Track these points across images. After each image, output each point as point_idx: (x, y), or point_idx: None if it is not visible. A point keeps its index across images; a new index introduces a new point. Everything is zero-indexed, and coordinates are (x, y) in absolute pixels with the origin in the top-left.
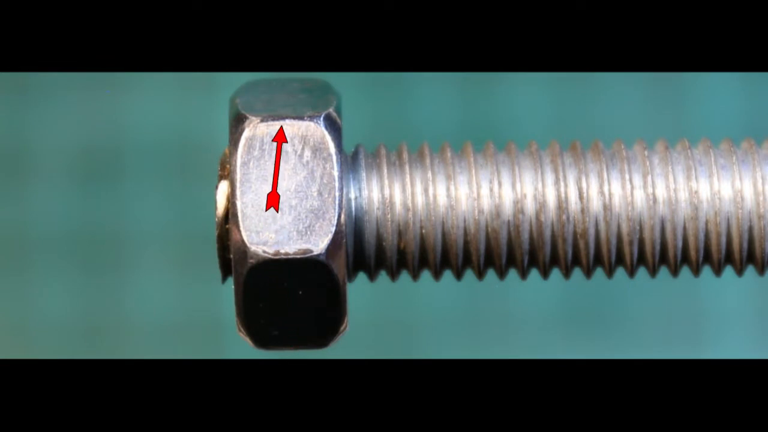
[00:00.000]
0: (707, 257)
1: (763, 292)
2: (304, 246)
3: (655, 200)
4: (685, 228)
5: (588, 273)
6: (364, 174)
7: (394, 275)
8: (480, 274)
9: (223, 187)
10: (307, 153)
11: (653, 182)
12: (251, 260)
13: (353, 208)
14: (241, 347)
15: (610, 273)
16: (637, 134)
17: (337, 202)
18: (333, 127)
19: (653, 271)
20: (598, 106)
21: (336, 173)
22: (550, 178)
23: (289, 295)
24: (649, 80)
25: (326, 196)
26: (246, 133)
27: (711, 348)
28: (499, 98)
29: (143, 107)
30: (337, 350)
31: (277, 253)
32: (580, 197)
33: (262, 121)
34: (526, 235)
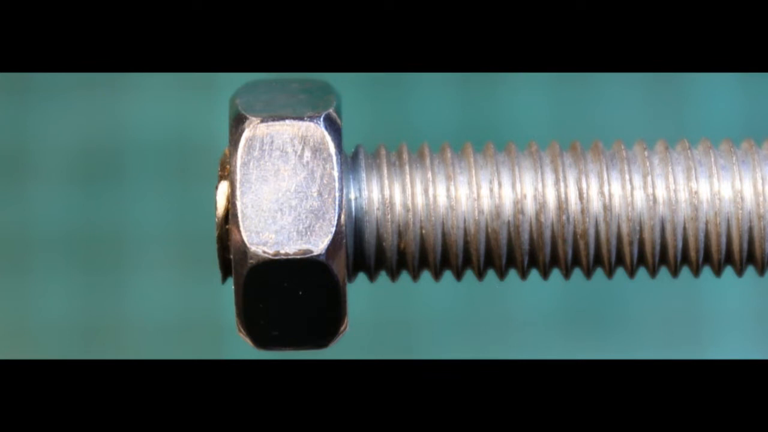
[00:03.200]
0: (707, 258)
1: (763, 292)
2: (304, 246)
3: (655, 201)
4: (685, 228)
5: (588, 273)
6: (364, 174)
7: (394, 275)
8: (480, 275)
9: (223, 187)
10: (307, 153)
11: (653, 183)
12: (251, 260)
13: (353, 209)
14: (241, 347)
15: (610, 273)
16: (637, 134)
17: (337, 202)
18: (333, 127)
19: (653, 272)
20: (598, 107)
21: (336, 174)
22: (550, 178)
23: (289, 295)
24: (649, 80)
25: (326, 196)
26: (246, 134)
27: (711, 348)
28: (499, 99)
29: (143, 107)
30: (337, 350)
31: (277, 253)
32: (580, 198)
33: (262, 121)
34: (526, 236)
